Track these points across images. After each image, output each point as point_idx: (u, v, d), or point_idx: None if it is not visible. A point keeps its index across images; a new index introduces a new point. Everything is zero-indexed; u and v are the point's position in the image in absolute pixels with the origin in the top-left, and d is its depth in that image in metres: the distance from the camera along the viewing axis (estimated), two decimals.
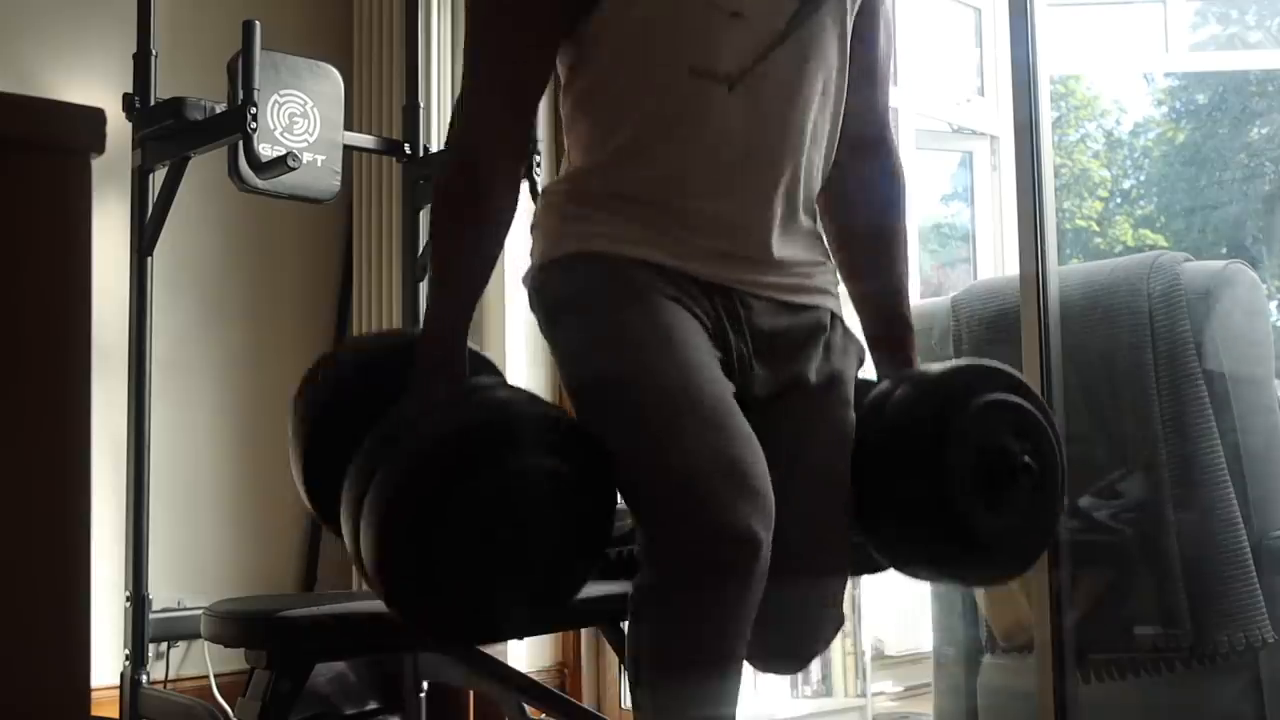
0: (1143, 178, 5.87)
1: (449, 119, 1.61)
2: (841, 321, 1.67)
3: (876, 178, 1.73)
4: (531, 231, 1.63)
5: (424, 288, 2.80)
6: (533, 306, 1.63)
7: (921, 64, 3.89)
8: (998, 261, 4.06)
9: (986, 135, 4.06)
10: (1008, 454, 1.58)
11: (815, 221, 1.65)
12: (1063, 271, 2.34)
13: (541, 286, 1.60)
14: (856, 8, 1.63)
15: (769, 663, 1.70)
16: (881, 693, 3.30)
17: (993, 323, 2.44)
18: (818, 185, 1.64)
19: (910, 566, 1.70)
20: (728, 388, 1.48)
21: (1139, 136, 5.73)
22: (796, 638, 1.61)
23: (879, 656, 3.31)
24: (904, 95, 3.75)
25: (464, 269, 1.54)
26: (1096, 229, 5.55)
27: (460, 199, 1.54)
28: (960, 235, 4.64)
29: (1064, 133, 5.50)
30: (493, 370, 1.65)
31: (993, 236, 4.12)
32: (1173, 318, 2.22)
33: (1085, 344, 2.29)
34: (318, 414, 1.65)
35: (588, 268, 1.55)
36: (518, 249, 1.66)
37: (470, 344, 1.56)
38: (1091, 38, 4.82)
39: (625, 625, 1.51)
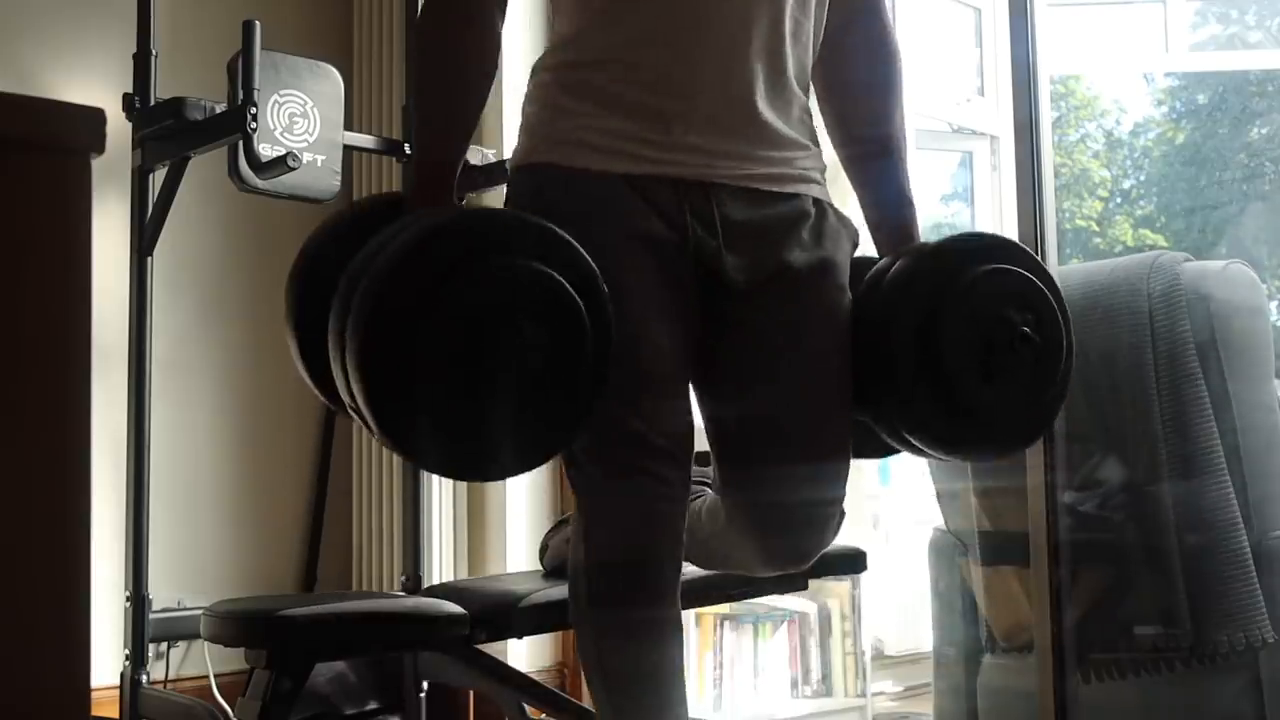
0: (1143, 178, 5.87)
1: None
2: (831, 207, 1.65)
3: (869, 48, 1.72)
4: (522, 111, 1.64)
5: None
6: (507, 201, 1.64)
7: (921, 64, 3.89)
8: None
9: (986, 135, 4.06)
10: (1006, 323, 1.56)
11: (808, 96, 1.64)
12: (1063, 271, 2.34)
13: (511, 194, 1.62)
14: None
15: (773, 561, 1.67)
16: (881, 693, 3.30)
17: None
18: (809, 52, 1.62)
19: (912, 443, 1.67)
20: (663, 342, 1.50)
21: (1139, 136, 5.73)
22: (799, 530, 1.60)
23: (879, 656, 3.31)
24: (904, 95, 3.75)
25: (449, 103, 1.55)
26: (1096, 229, 5.55)
27: (439, 35, 1.56)
28: None
29: (1064, 133, 5.49)
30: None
31: None
32: (1173, 318, 2.21)
33: (1085, 344, 2.29)
34: (306, 277, 1.60)
35: (553, 188, 1.55)
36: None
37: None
38: (1091, 38, 4.82)
39: None
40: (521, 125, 1.63)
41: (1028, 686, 2.24)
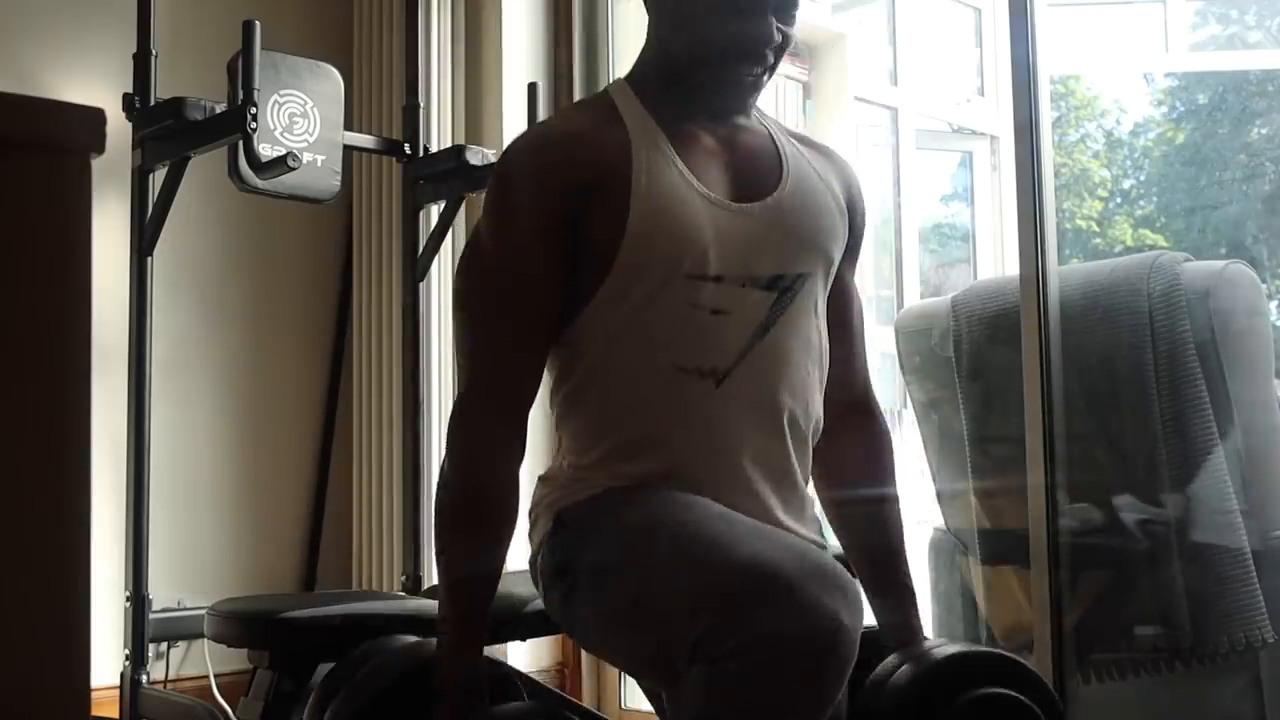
0: (1143, 178, 5.86)
1: (447, 425, 1.60)
2: None
3: (864, 446, 1.73)
4: (531, 517, 1.62)
5: (424, 289, 2.81)
6: (553, 549, 1.58)
7: (921, 64, 3.89)
8: (998, 261, 4.07)
9: (986, 135, 4.07)
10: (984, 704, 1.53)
11: (809, 484, 1.66)
12: (1063, 271, 2.34)
13: (569, 518, 1.56)
14: (831, 282, 1.65)
15: None
16: None
17: (993, 323, 2.44)
18: (809, 458, 1.64)
19: None
20: None
21: (1139, 136, 5.72)
22: None
23: None
24: (904, 95, 3.75)
25: (472, 586, 1.53)
26: (1096, 229, 5.54)
27: (464, 517, 1.55)
28: (960, 235, 4.64)
29: (1064, 133, 5.49)
30: (513, 685, 1.64)
31: (993, 236, 4.12)
32: (1173, 318, 2.21)
33: (1085, 344, 2.29)
34: None
35: (617, 492, 1.53)
36: None
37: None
38: (1091, 38, 4.82)
39: None
40: (536, 520, 1.61)
41: None
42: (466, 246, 1.64)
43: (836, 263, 1.65)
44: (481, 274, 1.59)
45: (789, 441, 1.58)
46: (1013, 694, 1.57)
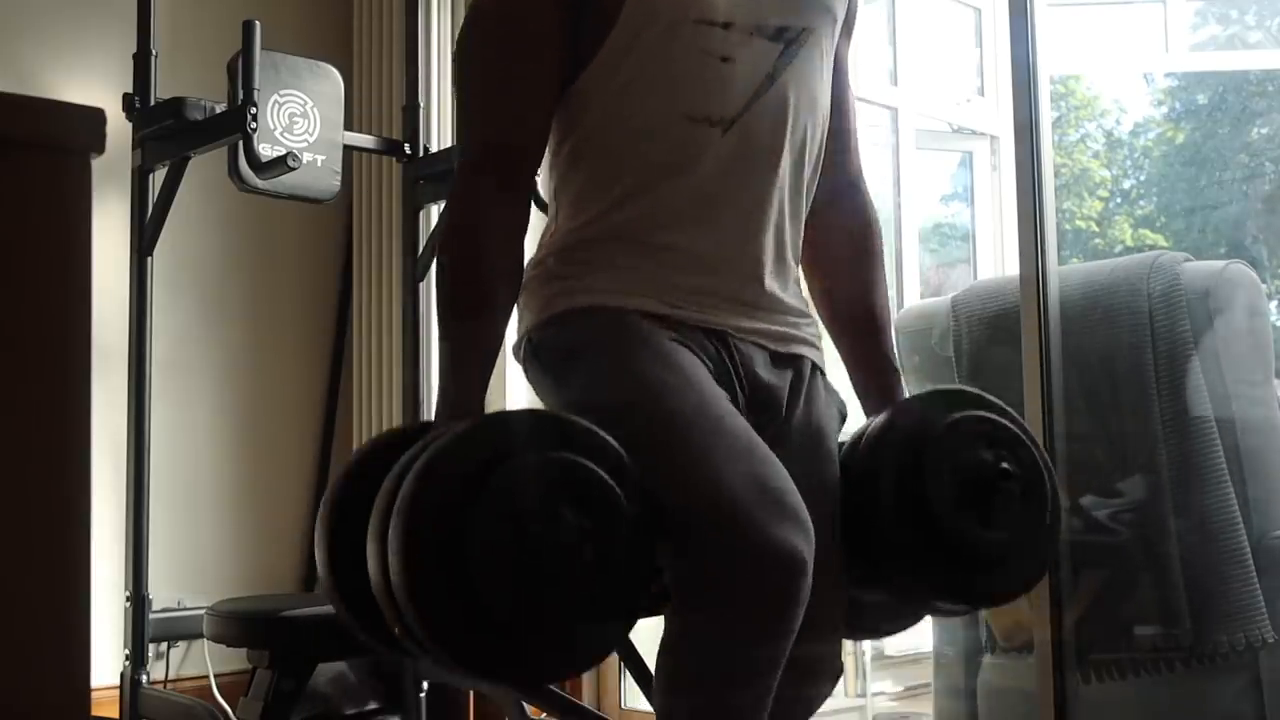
0: (1143, 178, 5.86)
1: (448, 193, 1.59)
2: (823, 374, 1.67)
3: (853, 224, 1.74)
4: (520, 301, 1.61)
5: (424, 289, 2.81)
6: (529, 369, 1.60)
7: (921, 64, 3.89)
8: (998, 261, 4.06)
9: (986, 135, 4.06)
10: (984, 464, 1.57)
11: (798, 267, 1.66)
12: (1063, 271, 2.33)
13: (540, 345, 1.58)
14: (835, 43, 1.65)
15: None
16: (881, 693, 3.30)
17: (993, 323, 2.44)
18: (801, 226, 1.64)
19: (918, 601, 1.68)
20: (745, 421, 1.48)
21: (1139, 136, 5.72)
22: (792, 700, 1.55)
23: (879, 656, 3.31)
24: (904, 95, 3.75)
25: (473, 353, 1.52)
26: (1096, 229, 5.54)
27: (463, 284, 1.53)
28: (960, 235, 4.64)
29: (1064, 133, 5.49)
30: None
31: (993, 236, 4.12)
32: (1173, 318, 2.21)
33: (1085, 344, 2.29)
34: (338, 513, 1.51)
35: (587, 320, 1.54)
36: None
37: None
38: (1091, 38, 4.82)
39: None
40: (524, 307, 1.60)
41: (1027, 686, 2.25)
42: (468, 13, 1.61)
43: (839, 26, 1.65)
44: (483, 35, 1.57)
45: (785, 196, 1.58)
46: (982, 413, 1.63)
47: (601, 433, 1.40)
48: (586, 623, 1.37)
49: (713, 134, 1.53)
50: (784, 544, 1.33)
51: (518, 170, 1.55)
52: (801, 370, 1.62)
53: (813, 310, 1.71)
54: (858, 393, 1.73)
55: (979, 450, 1.58)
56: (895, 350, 1.76)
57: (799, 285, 1.67)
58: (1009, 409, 1.68)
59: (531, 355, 1.59)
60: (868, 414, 1.72)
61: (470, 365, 1.52)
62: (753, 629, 1.36)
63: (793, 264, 1.64)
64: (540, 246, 1.63)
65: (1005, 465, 1.57)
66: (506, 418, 1.47)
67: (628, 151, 1.55)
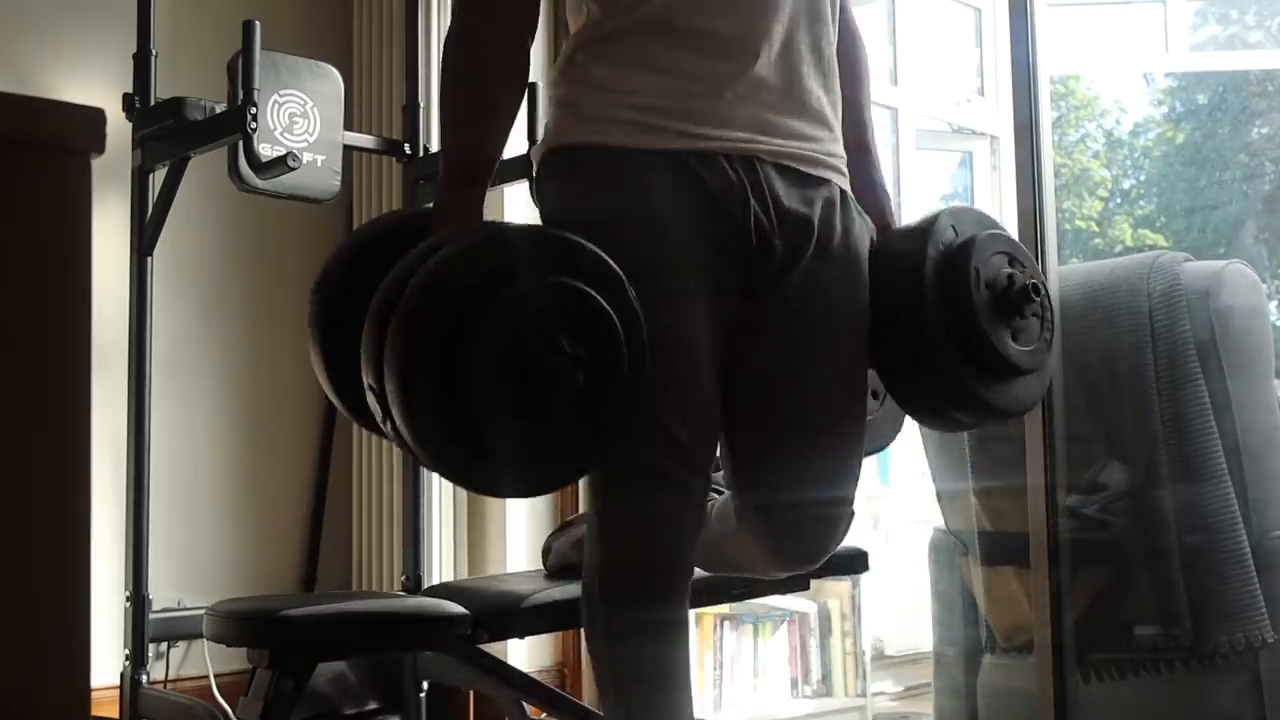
0: (1143, 178, 5.86)
1: None
2: (853, 200, 1.66)
3: (844, 39, 1.73)
4: (553, 90, 1.60)
5: None
6: (533, 194, 1.61)
7: (921, 64, 3.89)
8: None
9: (986, 135, 4.06)
10: (1014, 277, 1.64)
11: (835, 81, 1.65)
12: (1063, 271, 2.33)
13: (544, 180, 1.58)
14: None
15: (783, 563, 1.68)
16: (881, 693, 3.30)
17: None
18: (828, 30, 1.63)
19: (941, 409, 1.72)
20: (703, 345, 1.50)
21: (1139, 136, 5.72)
22: (811, 531, 1.61)
23: (879, 656, 3.31)
24: (904, 95, 3.75)
25: (478, 128, 1.53)
26: (1096, 229, 5.54)
27: (465, 92, 1.53)
28: None
29: (1064, 133, 5.49)
30: None
31: None
32: (1173, 318, 2.21)
33: (1085, 344, 2.29)
34: (332, 291, 1.55)
35: (590, 173, 1.53)
36: None
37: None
38: (1091, 38, 4.81)
39: None
40: (554, 105, 1.59)
41: (1028, 686, 2.25)
42: None
43: None
44: None
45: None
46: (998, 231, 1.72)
47: (608, 259, 1.41)
48: (564, 449, 1.41)
49: None
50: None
51: None
52: (832, 197, 1.61)
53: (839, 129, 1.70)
54: None
55: (1004, 261, 1.67)
56: (882, 172, 1.79)
57: (837, 99, 1.65)
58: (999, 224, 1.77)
59: (537, 183, 1.59)
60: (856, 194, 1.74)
61: (472, 168, 1.52)
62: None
63: (834, 67, 1.63)
64: (571, 39, 1.61)
65: (1034, 281, 1.66)
66: (513, 231, 1.47)
67: None
